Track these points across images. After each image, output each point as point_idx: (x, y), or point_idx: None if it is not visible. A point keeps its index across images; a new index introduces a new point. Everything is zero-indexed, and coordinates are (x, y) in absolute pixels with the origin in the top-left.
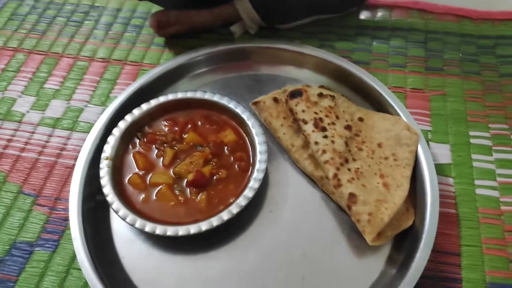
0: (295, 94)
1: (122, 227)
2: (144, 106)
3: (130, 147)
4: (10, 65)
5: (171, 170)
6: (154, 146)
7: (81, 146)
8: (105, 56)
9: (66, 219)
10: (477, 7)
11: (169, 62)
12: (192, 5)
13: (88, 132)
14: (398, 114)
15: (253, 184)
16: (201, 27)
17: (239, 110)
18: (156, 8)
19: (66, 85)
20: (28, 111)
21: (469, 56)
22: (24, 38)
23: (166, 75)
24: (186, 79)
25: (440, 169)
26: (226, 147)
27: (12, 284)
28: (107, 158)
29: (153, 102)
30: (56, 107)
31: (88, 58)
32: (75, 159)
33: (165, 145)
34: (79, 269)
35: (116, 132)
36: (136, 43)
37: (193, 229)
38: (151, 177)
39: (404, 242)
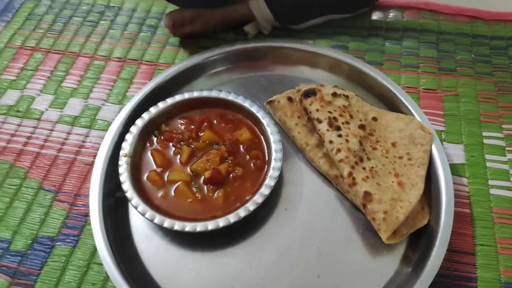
0: (309, 93)
1: (141, 222)
2: (161, 105)
3: (148, 144)
4: (29, 64)
5: (188, 167)
6: (171, 144)
7: (99, 144)
8: (121, 56)
9: (86, 214)
10: (489, 8)
11: (184, 61)
12: (207, 3)
13: (106, 130)
14: (412, 114)
15: (269, 182)
16: (215, 26)
17: (254, 109)
18: (171, 8)
19: (83, 84)
20: (47, 109)
21: (481, 57)
22: (41, 37)
23: (182, 74)
24: (202, 78)
25: (454, 169)
26: (241, 146)
27: (35, 278)
28: (125, 156)
29: (170, 101)
30: (74, 105)
31: (104, 57)
32: (94, 156)
33: (182, 143)
34: (100, 264)
35: (134, 130)
36: (151, 43)
37: (210, 225)
38: (168, 174)
39: (419, 240)
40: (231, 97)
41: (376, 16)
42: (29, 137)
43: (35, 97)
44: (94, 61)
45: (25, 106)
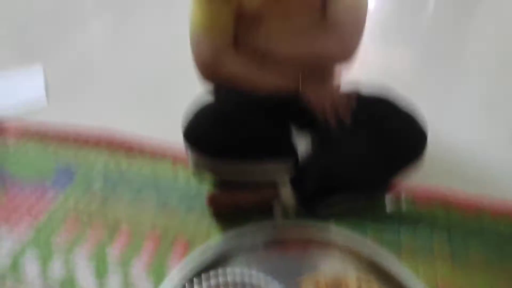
0: None
1: None
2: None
3: None
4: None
5: None
6: None
7: None
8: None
9: None
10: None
11: (217, 240)
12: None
13: None
14: None
15: None
16: (247, 206)
17: None
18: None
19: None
20: None
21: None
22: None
23: (216, 255)
24: (232, 259)
25: None
26: None
27: None
28: None
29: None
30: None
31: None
32: None
33: None
34: None
35: None
36: (188, 216)
37: None
38: None
39: None
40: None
41: (392, 204)
42: None
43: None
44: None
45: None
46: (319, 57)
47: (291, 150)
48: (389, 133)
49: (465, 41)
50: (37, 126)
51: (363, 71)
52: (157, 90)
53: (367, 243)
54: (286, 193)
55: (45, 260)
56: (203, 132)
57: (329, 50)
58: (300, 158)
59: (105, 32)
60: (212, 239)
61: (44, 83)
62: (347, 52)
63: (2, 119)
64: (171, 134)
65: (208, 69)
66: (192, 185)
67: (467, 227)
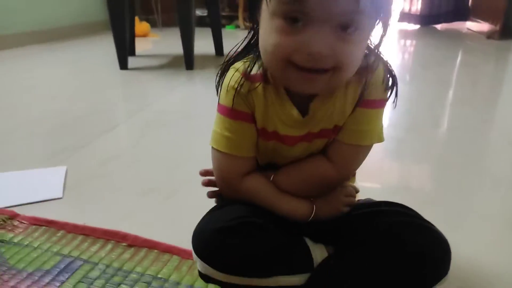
0: None
1: None
2: None
3: None
4: None
5: None
6: None
7: None
8: None
9: None
10: None
11: None
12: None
13: None
14: None
15: None
16: None
17: None
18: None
19: None
20: None
21: None
22: None
23: None
24: None
25: None
26: None
27: None
28: None
29: None
30: None
31: None
32: None
33: None
34: None
35: None
36: None
37: None
38: None
39: None
40: None
41: None
42: None
43: None
44: None
45: None
46: (317, 183)
47: (306, 262)
48: (407, 246)
49: (483, 152)
50: (46, 217)
51: (378, 186)
52: (169, 196)
53: None
54: None
55: None
56: (212, 246)
57: (326, 176)
58: (315, 270)
59: (128, 141)
60: None
61: (63, 181)
62: (345, 178)
63: (14, 208)
64: (179, 235)
65: (227, 189)
66: None
67: None
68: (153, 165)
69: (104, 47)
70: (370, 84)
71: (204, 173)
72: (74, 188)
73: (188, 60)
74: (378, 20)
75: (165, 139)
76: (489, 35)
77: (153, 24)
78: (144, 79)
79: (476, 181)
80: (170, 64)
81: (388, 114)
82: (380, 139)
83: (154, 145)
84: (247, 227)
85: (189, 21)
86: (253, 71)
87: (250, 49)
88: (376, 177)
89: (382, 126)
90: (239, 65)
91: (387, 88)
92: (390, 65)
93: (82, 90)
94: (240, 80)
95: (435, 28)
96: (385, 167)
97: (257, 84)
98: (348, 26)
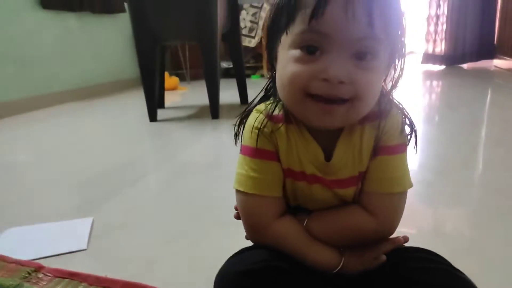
0: None
1: None
2: None
3: None
4: None
5: None
6: None
7: None
8: None
9: None
10: None
11: None
12: None
13: None
14: None
15: None
16: None
17: None
18: None
19: None
20: None
21: None
22: None
23: None
24: None
25: None
26: None
27: None
28: None
29: None
30: None
31: None
32: None
33: None
34: None
35: None
36: None
37: None
38: None
39: None
40: None
41: None
42: None
43: None
44: None
45: None
46: (353, 234)
47: None
48: None
49: None
50: (70, 269)
51: (412, 232)
52: (192, 245)
53: None
54: None
55: None
56: None
57: (365, 229)
58: None
59: (153, 192)
60: None
61: (88, 233)
62: (386, 232)
63: (41, 260)
64: (199, 284)
65: (255, 233)
66: None
67: None
68: (177, 214)
69: (136, 102)
70: (387, 130)
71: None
72: (99, 239)
73: (213, 110)
74: (393, 52)
75: (191, 188)
76: None
77: (182, 78)
78: (171, 130)
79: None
80: (197, 115)
81: (418, 157)
82: (410, 183)
83: (179, 194)
84: (272, 271)
85: (214, 72)
86: (275, 113)
87: (271, 94)
88: (407, 223)
89: (408, 171)
90: (261, 107)
91: (404, 132)
92: (405, 109)
93: (114, 144)
94: (263, 121)
95: (461, 68)
96: (416, 211)
97: (280, 125)
98: (364, 55)
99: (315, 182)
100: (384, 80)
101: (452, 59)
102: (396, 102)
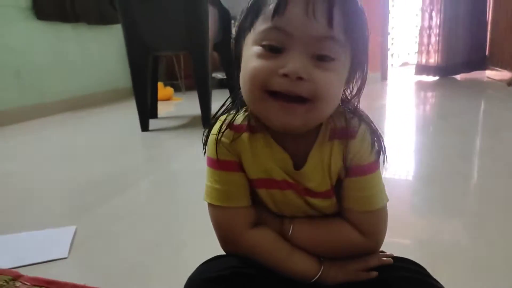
0: None
1: None
2: None
3: None
4: None
5: None
6: None
7: None
8: None
9: None
10: None
11: None
12: None
13: None
14: None
15: None
16: None
17: None
18: None
19: None
20: None
21: None
22: None
23: None
24: None
25: None
26: None
27: None
28: None
29: None
30: None
31: None
32: None
33: None
34: None
35: None
36: None
37: None
38: None
39: None
40: None
41: None
42: None
43: None
44: None
45: None
46: (342, 247)
47: None
48: None
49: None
50: (48, 278)
51: (409, 243)
52: (170, 254)
53: None
54: None
55: None
56: None
57: (354, 243)
58: None
59: (140, 201)
60: None
61: (70, 241)
62: (374, 246)
63: (21, 268)
64: None
65: (228, 244)
66: None
67: None
68: (161, 222)
69: (129, 112)
70: (357, 151)
71: None
72: (80, 248)
73: (205, 119)
74: (354, 57)
75: (178, 197)
76: (510, 83)
77: (178, 89)
78: (162, 140)
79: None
80: (189, 124)
81: (414, 167)
82: (387, 198)
83: (166, 203)
84: (240, 278)
85: (206, 82)
86: (238, 122)
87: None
88: (398, 232)
89: (383, 186)
90: (224, 117)
91: (374, 149)
92: (373, 123)
93: (104, 153)
94: (220, 128)
95: (455, 79)
96: (408, 221)
97: (241, 133)
98: (324, 56)
99: (287, 188)
100: (348, 89)
101: (445, 70)
102: (364, 116)
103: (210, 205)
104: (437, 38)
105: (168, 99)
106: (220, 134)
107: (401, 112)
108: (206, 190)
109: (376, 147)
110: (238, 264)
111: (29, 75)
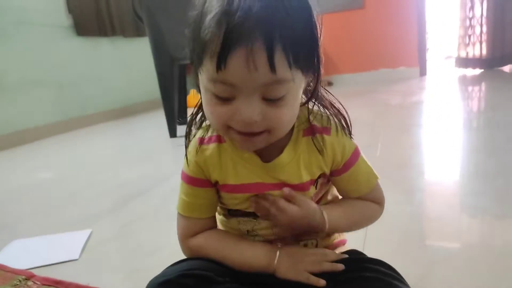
0: None
1: None
2: None
3: None
4: None
5: None
6: None
7: None
8: None
9: None
10: None
11: None
12: None
13: None
14: None
15: None
16: None
17: None
18: None
19: None
20: None
21: None
22: None
23: None
24: None
25: None
26: None
27: None
28: None
29: None
30: None
31: None
32: None
33: None
34: None
35: None
36: None
37: None
38: None
39: None
40: None
41: None
42: None
43: None
44: None
45: None
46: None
47: None
48: None
49: None
50: (57, 278)
51: (458, 246)
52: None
53: None
54: None
55: None
56: None
57: (375, 212)
58: None
59: (156, 204)
60: None
61: (83, 244)
62: (382, 210)
63: (35, 269)
64: None
65: (183, 248)
66: None
67: None
68: (171, 225)
69: (161, 119)
70: (337, 152)
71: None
72: (92, 250)
73: None
74: (308, 77)
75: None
76: None
77: None
78: None
79: None
80: None
81: (460, 165)
82: (376, 176)
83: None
84: (187, 279)
85: None
86: (210, 133)
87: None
88: (447, 235)
89: (370, 166)
90: (199, 133)
91: (349, 139)
92: (340, 110)
93: (131, 159)
94: (186, 146)
95: (502, 71)
96: (456, 223)
97: (211, 145)
98: (272, 98)
99: (265, 189)
100: (311, 96)
101: (491, 61)
102: (326, 104)
103: (178, 213)
104: (480, 29)
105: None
106: (189, 154)
107: (441, 108)
108: (178, 201)
109: (346, 128)
110: (193, 267)
111: (70, 89)
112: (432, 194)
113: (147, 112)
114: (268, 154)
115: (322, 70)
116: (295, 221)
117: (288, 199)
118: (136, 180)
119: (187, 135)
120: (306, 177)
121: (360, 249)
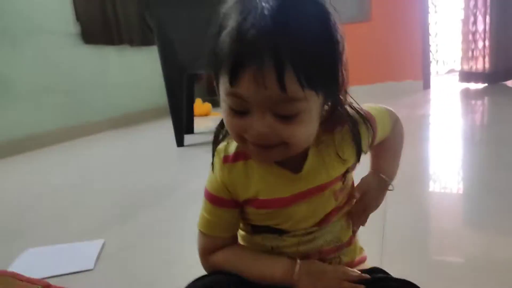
0: None
1: None
2: None
3: None
4: None
5: None
6: None
7: None
8: None
9: None
10: None
11: None
12: None
13: None
14: None
15: None
16: None
17: None
18: None
19: None
20: None
21: None
22: None
23: None
24: None
25: None
26: None
27: None
28: None
29: None
30: None
31: None
32: None
33: None
34: None
35: None
36: None
37: None
38: None
39: None
40: None
41: None
42: None
43: None
44: None
45: None
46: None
47: None
48: None
49: None
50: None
51: (462, 261)
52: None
53: None
54: None
55: None
56: None
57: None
58: None
59: (169, 214)
60: None
61: (97, 254)
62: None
63: (51, 278)
64: None
65: (204, 264)
66: None
67: None
68: (183, 237)
69: (167, 128)
70: (364, 132)
71: None
72: (106, 260)
73: None
74: (325, 96)
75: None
76: None
77: (217, 104)
78: (196, 155)
79: None
80: None
81: (463, 180)
82: (382, 108)
83: (194, 218)
84: None
85: None
86: (233, 150)
87: None
88: (449, 250)
89: (377, 108)
90: (221, 148)
91: (362, 112)
92: (349, 102)
93: (139, 168)
94: (213, 164)
95: (505, 85)
96: (460, 238)
97: (237, 163)
98: (285, 116)
99: (296, 200)
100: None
101: (494, 76)
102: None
103: (199, 230)
104: (483, 43)
105: (206, 114)
106: (217, 172)
107: (445, 121)
108: (199, 217)
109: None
110: (221, 281)
111: (76, 96)
112: (440, 208)
113: (154, 121)
114: (292, 161)
115: (345, 89)
116: None
117: None
118: (145, 190)
119: (214, 152)
120: (334, 173)
121: (377, 264)
